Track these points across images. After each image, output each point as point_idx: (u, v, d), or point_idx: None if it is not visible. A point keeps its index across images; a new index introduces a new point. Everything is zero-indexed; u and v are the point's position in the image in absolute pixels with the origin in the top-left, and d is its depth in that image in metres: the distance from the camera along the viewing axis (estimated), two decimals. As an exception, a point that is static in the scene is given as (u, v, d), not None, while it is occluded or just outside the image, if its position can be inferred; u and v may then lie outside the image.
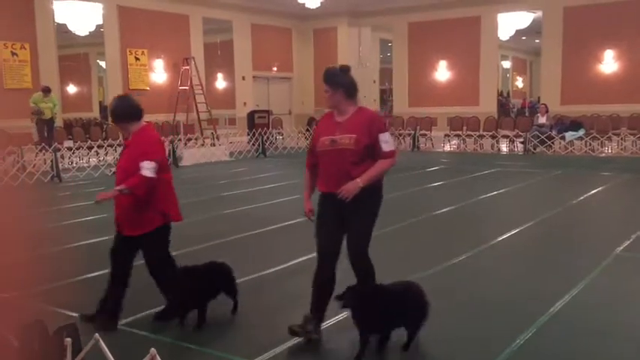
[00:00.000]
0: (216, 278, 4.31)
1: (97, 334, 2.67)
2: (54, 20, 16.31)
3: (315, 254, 3.88)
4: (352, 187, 3.65)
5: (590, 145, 15.47)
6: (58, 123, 16.17)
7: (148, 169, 3.99)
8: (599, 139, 15.48)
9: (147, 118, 15.95)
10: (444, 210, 8.46)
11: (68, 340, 2.73)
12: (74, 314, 4.42)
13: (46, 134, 14.46)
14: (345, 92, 3.77)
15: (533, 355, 3.69)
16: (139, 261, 5.97)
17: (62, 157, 14.11)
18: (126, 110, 4.25)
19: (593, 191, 9.88)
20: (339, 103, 3.81)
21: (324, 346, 3.91)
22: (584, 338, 3.94)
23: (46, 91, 14.33)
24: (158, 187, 4.14)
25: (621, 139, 15.68)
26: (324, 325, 4.05)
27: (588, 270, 5.33)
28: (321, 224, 3.82)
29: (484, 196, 9.65)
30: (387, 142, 3.82)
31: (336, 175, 3.73)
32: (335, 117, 3.89)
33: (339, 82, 3.77)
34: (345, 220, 3.76)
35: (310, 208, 3.93)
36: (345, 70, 3.86)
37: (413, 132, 17.92)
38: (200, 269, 4.27)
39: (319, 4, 17.85)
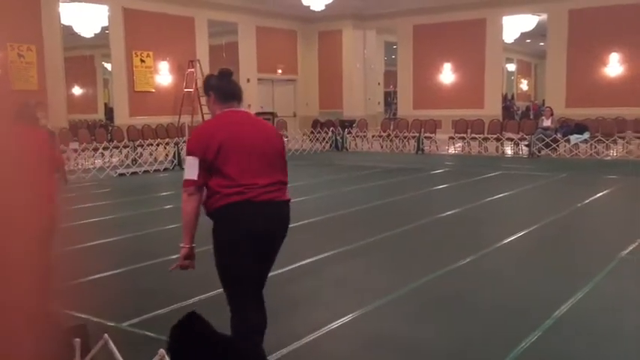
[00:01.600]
0: None
1: (106, 335, 2.70)
2: (60, 22, 16.39)
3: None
4: None
5: (595, 148, 15.45)
6: (64, 124, 16.25)
7: None
8: (604, 142, 15.46)
9: (152, 120, 15.98)
10: (449, 213, 8.47)
11: (77, 340, 2.76)
12: (83, 315, 4.45)
13: None
14: (215, 96, 3.22)
15: (542, 356, 3.70)
16: (146, 262, 6.03)
17: (68, 158, 14.17)
18: None
19: (598, 194, 9.88)
20: (211, 109, 3.29)
21: (322, 352, 3.93)
22: (588, 342, 3.95)
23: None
24: None
25: (626, 142, 15.65)
26: (319, 332, 4.07)
27: (593, 274, 5.34)
28: None
29: (489, 199, 9.65)
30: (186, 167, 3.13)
31: None
32: None
33: (208, 85, 3.26)
34: None
35: None
36: (223, 73, 3.30)
37: (417, 134, 17.92)
38: None
39: (324, 7, 17.88)
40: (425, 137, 17.89)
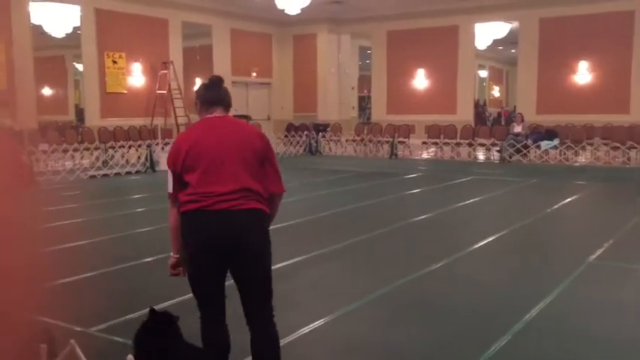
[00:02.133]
0: None
1: (72, 341, 2.65)
2: (30, 21, 16.08)
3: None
4: None
5: (564, 154, 15.74)
6: (33, 125, 15.94)
7: None
8: (573, 148, 15.77)
9: (124, 121, 15.81)
10: (422, 217, 8.53)
11: (43, 346, 2.70)
12: (51, 320, 4.35)
13: None
14: (199, 104, 3.19)
15: (511, 359, 3.75)
16: (117, 266, 5.94)
17: (37, 160, 13.91)
18: None
19: (567, 200, 10.05)
20: (199, 117, 3.25)
21: (296, 355, 3.92)
22: (557, 345, 4.00)
23: None
24: None
25: (595, 148, 15.97)
26: (292, 336, 4.06)
27: (562, 278, 5.42)
28: None
29: (461, 203, 9.75)
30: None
31: None
32: None
33: (196, 93, 3.24)
34: None
35: None
36: (211, 81, 3.27)
37: (391, 139, 18.03)
38: None
39: (299, 11, 17.89)
40: (398, 142, 18.02)
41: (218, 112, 3.12)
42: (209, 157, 2.94)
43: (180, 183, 2.99)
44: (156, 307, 4.64)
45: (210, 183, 2.91)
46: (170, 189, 3.04)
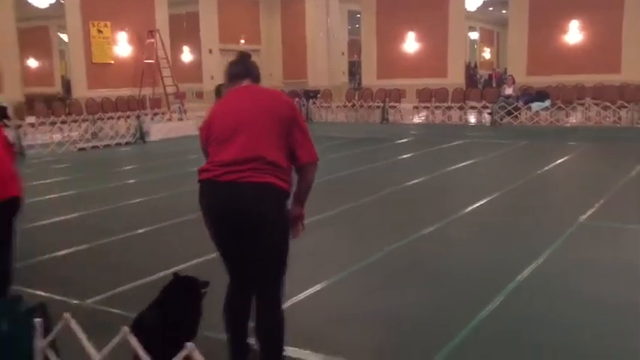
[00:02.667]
0: None
1: (67, 314, 2.64)
2: (11, -8, 15.75)
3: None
4: None
5: (555, 115, 15.72)
6: (19, 98, 15.75)
7: None
8: (564, 109, 15.74)
9: (112, 92, 15.62)
10: (413, 182, 8.55)
11: (38, 320, 2.70)
12: (43, 294, 4.36)
13: None
14: (226, 80, 3.20)
15: (502, 321, 3.80)
16: (110, 238, 5.93)
17: (25, 133, 13.76)
18: None
19: (558, 161, 10.08)
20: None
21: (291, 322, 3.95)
22: (549, 306, 4.05)
23: None
24: None
25: (585, 108, 15.96)
26: (287, 304, 4.07)
27: (553, 239, 5.46)
28: None
29: (452, 167, 9.76)
30: None
31: None
32: None
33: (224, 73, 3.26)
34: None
35: None
36: (237, 56, 3.21)
37: (382, 104, 17.93)
38: None
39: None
40: (389, 107, 17.92)
41: (244, 84, 3.08)
42: (226, 127, 2.90)
43: (207, 154, 2.99)
44: (148, 279, 4.67)
45: (223, 153, 2.86)
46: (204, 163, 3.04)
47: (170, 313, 3.02)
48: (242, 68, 3.12)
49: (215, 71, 21.30)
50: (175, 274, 3.18)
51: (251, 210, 2.81)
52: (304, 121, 3.06)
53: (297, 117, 2.98)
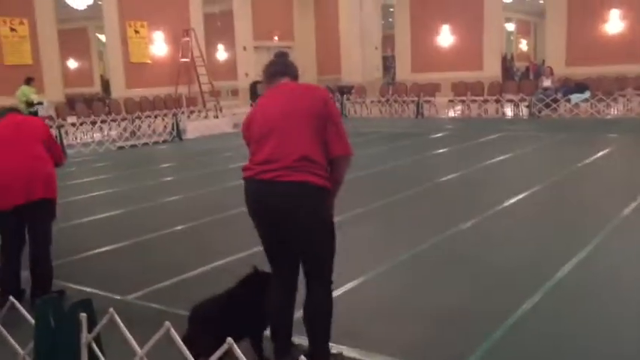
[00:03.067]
0: None
1: (111, 309, 2.71)
2: (51, -5, 16.14)
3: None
4: None
5: (595, 106, 15.33)
6: (61, 98, 16.16)
7: None
8: (604, 100, 15.33)
9: (149, 91, 15.82)
10: (450, 177, 8.46)
11: (83, 315, 2.76)
12: (87, 289, 4.48)
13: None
14: (264, 79, 3.29)
15: (544, 316, 3.73)
16: (149, 235, 6.04)
17: (66, 132, 14.11)
18: None
19: (599, 153, 9.84)
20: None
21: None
22: (591, 300, 3.97)
23: (31, 80, 13.88)
24: None
25: (627, 99, 15.55)
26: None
27: (595, 232, 5.34)
28: None
29: (490, 161, 9.63)
30: None
31: None
32: None
33: (262, 72, 3.35)
34: None
35: None
36: (277, 54, 3.37)
37: (416, 98, 17.79)
38: None
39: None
40: (424, 101, 17.77)
41: (284, 82, 3.15)
42: (264, 126, 2.96)
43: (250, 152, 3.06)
44: (187, 275, 4.75)
45: (261, 151, 2.92)
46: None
47: (240, 305, 3.11)
48: (280, 67, 3.19)
49: (249, 68, 21.45)
50: (255, 268, 3.23)
51: (289, 208, 2.87)
52: (339, 115, 3.09)
53: (332, 111, 3.01)
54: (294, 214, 2.87)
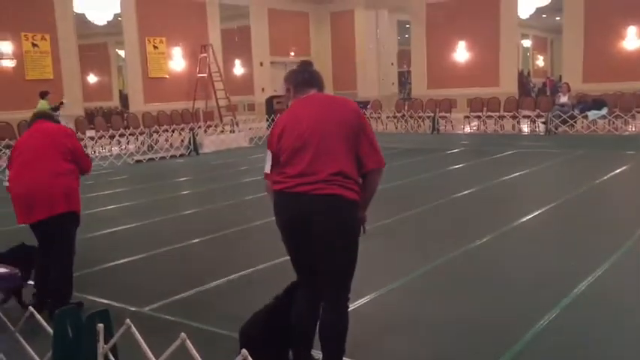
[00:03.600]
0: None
1: (128, 320, 2.75)
2: (72, 10, 16.43)
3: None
4: None
5: (613, 123, 15.23)
6: (80, 113, 16.39)
7: None
8: (622, 117, 15.23)
9: (167, 106, 15.99)
10: (466, 192, 8.44)
11: (101, 325, 2.81)
12: (104, 300, 4.53)
13: None
14: (292, 88, 3.20)
15: (558, 335, 3.70)
16: (165, 247, 6.10)
17: (85, 146, 14.30)
18: None
19: (616, 170, 9.77)
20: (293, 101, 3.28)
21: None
22: (607, 318, 3.94)
23: (47, 94, 14.12)
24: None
25: (645, 116, 15.42)
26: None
27: (612, 251, 5.30)
28: None
29: (506, 177, 9.59)
30: None
31: None
32: None
33: (285, 79, 3.30)
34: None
35: None
36: (300, 65, 3.30)
37: (432, 114, 17.79)
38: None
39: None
40: (440, 117, 17.77)
41: (312, 93, 3.11)
42: (296, 138, 2.93)
43: (278, 163, 3.02)
44: (204, 288, 4.78)
45: (293, 164, 2.92)
46: (267, 169, 3.08)
47: (280, 318, 3.16)
48: (308, 77, 3.15)
49: (266, 83, 21.61)
50: (293, 283, 3.23)
51: (320, 222, 2.87)
52: (371, 128, 3.09)
53: (364, 124, 3.02)
54: (327, 227, 2.88)
